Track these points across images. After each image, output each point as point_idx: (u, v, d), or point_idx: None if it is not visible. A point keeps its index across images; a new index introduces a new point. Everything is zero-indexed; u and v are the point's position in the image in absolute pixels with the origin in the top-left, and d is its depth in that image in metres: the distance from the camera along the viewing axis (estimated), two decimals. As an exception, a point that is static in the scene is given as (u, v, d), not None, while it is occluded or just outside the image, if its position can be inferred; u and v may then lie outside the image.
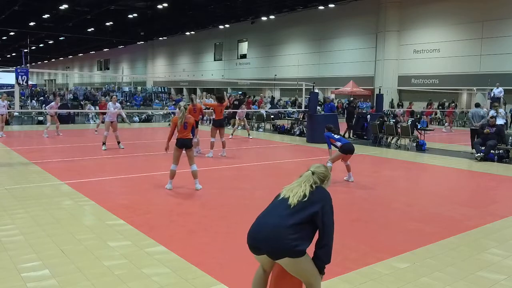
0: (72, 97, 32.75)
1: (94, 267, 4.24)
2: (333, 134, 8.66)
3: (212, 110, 13.14)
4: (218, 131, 11.54)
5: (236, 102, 22.44)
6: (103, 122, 18.25)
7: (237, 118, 17.91)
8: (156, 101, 34.55)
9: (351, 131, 17.39)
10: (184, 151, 7.59)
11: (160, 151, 12.50)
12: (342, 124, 17.70)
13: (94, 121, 22.72)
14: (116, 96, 14.89)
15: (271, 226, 2.95)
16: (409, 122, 15.06)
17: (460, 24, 27.23)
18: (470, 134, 13.76)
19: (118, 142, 12.77)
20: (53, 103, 16.16)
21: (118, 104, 13.16)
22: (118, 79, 52.89)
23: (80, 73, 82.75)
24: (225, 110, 13.86)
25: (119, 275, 4.06)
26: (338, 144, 8.51)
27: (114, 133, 12.66)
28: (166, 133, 17.57)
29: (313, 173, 3.17)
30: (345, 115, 18.25)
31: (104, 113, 16.80)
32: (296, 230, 2.90)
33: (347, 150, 8.45)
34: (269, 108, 26.70)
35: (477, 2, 26.28)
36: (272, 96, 38.43)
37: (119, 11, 36.49)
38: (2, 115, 15.29)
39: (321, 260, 3.05)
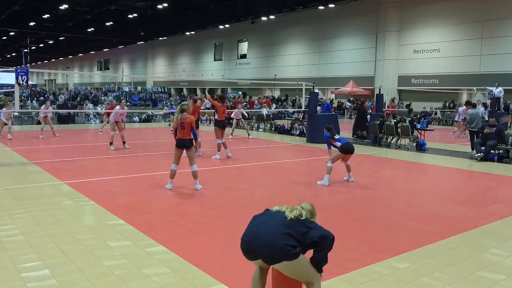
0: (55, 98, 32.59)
1: (94, 267, 4.24)
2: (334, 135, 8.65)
3: (214, 111, 13.09)
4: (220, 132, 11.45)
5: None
6: (108, 123, 18.38)
7: (234, 118, 17.72)
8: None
9: (364, 131, 16.72)
10: (184, 151, 7.59)
11: (160, 151, 12.52)
12: (342, 124, 17.68)
13: (94, 121, 22.74)
14: (125, 101, 15.35)
15: (267, 233, 3.01)
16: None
17: (460, 24, 27.22)
18: (469, 136, 13.64)
19: (124, 142, 12.90)
20: (43, 107, 16.28)
21: (126, 108, 13.85)
22: (118, 79, 52.83)
23: (80, 73, 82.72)
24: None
25: (119, 275, 4.06)
26: (338, 144, 8.48)
27: (120, 133, 12.89)
28: (166, 133, 17.78)
29: (302, 208, 3.24)
30: (356, 116, 17.84)
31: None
32: (292, 239, 2.97)
33: (347, 150, 8.43)
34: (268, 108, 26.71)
35: (477, 2, 26.27)
36: (273, 96, 38.38)
37: (119, 11, 36.46)
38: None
39: (318, 262, 3.12)
